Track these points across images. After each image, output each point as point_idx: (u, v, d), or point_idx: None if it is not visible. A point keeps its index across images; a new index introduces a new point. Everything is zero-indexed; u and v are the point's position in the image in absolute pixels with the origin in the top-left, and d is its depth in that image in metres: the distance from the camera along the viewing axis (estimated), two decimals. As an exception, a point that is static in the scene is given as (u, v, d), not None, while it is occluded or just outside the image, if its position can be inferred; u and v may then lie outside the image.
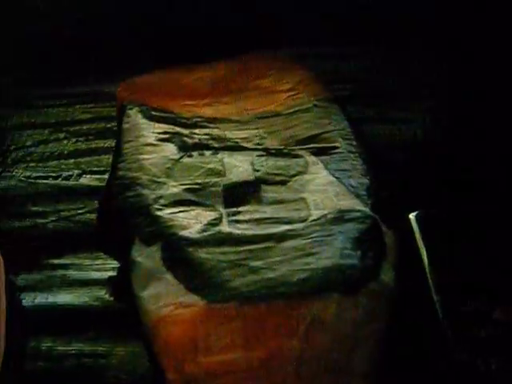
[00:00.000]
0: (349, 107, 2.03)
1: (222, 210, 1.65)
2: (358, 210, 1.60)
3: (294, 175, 1.75)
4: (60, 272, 1.78)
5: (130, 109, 1.98)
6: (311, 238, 1.53)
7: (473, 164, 1.89)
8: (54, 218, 1.93)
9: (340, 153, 1.81)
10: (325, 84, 2.13)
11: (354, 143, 1.86)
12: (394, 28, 2.40)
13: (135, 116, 1.96)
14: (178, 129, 1.92)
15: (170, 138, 1.88)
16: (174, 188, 1.70)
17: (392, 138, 2.11)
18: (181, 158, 1.81)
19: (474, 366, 1.43)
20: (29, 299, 1.72)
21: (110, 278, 1.74)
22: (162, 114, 1.99)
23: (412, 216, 1.75)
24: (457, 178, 1.85)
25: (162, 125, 1.93)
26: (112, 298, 1.69)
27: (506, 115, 2.01)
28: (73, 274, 1.77)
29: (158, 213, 1.63)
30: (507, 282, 1.57)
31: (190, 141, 1.88)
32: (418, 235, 1.72)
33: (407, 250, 1.64)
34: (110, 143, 2.13)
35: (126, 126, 1.94)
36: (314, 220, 1.59)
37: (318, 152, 1.82)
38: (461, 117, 2.08)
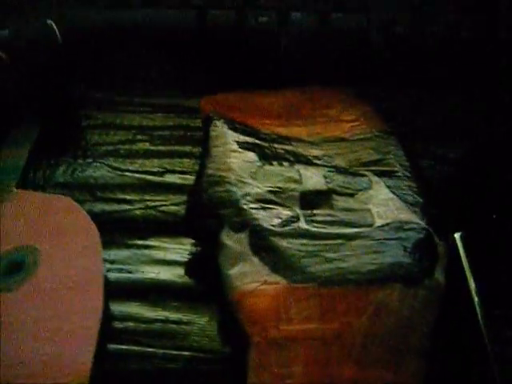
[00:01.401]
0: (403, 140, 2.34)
1: (299, 211, 1.93)
2: (416, 223, 1.88)
3: (360, 190, 2.03)
4: (145, 251, 2.01)
5: (217, 119, 2.27)
6: (377, 239, 1.82)
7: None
8: (140, 206, 2.17)
9: (398, 176, 2.09)
10: (383, 119, 2.44)
11: (410, 169, 2.15)
12: (438, 72, 2.70)
13: (221, 126, 2.25)
14: (258, 141, 2.21)
15: (252, 147, 2.17)
16: (258, 189, 1.98)
17: (436, 172, 2.38)
18: (263, 165, 2.09)
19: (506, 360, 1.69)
20: (117, 272, 1.95)
21: (193, 260, 1.97)
22: (244, 128, 2.28)
23: (457, 235, 2.03)
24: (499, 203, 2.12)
25: (244, 136, 2.21)
26: (192, 277, 1.94)
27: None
28: (157, 253, 2.00)
29: (245, 207, 1.90)
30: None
31: (269, 152, 2.17)
32: (461, 253, 1.99)
33: (453, 263, 1.91)
34: (190, 149, 2.38)
35: (213, 133, 2.22)
36: (379, 226, 1.88)
37: (379, 174, 2.10)
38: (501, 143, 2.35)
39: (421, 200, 1.98)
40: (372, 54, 2.80)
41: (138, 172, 2.31)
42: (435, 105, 2.67)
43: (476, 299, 1.83)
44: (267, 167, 2.07)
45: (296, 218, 1.88)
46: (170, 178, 2.29)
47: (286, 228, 1.83)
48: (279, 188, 1.98)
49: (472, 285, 1.87)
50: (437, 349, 1.68)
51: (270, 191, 1.96)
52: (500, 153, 2.47)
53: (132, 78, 2.74)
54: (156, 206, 2.21)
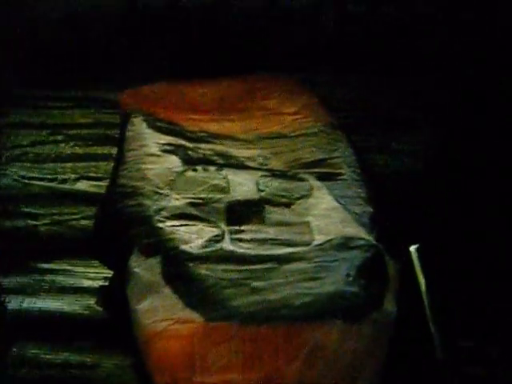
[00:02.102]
0: (352, 135, 2.06)
1: (225, 228, 1.62)
2: (363, 238, 1.58)
3: (299, 198, 1.73)
4: (49, 277, 1.73)
5: (135, 117, 1.95)
6: (315, 262, 1.52)
7: (474, 196, 1.90)
8: (46, 221, 1.88)
9: (345, 180, 1.80)
10: (329, 110, 2.15)
11: (359, 171, 1.85)
12: (396, 55, 2.43)
13: (140, 125, 1.94)
14: (182, 141, 1.90)
15: (174, 150, 1.85)
16: (176, 201, 1.67)
17: (392, 168, 2.12)
18: (185, 171, 1.78)
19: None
20: (15, 303, 1.66)
21: (102, 287, 1.69)
22: (167, 126, 1.96)
23: (413, 249, 1.76)
24: (457, 211, 1.86)
25: (166, 136, 1.90)
26: (102, 308, 1.66)
27: (509, 147, 2.03)
28: (63, 280, 1.72)
29: (160, 224, 1.60)
30: (505, 319, 1.58)
31: (194, 155, 1.86)
32: (417, 268, 1.73)
33: (407, 281, 1.65)
34: (109, 150, 2.09)
35: (129, 133, 1.91)
36: (318, 245, 1.57)
37: (322, 177, 1.80)
38: (462, 147, 2.09)
39: (370, 209, 1.67)
40: (321, 35, 2.53)
41: (46, 180, 2.01)
42: (391, 92, 2.40)
43: (433, 328, 1.58)
44: (190, 173, 1.75)
45: (220, 237, 1.56)
46: (82, 186, 1.99)
47: (207, 250, 1.51)
48: (202, 199, 1.66)
49: (428, 310, 1.63)
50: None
51: (191, 204, 1.64)
52: (465, 145, 2.23)
53: (51, 69, 2.43)
54: (64, 221, 1.89)
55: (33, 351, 1.57)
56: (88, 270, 1.74)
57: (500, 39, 2.48)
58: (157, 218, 1.61)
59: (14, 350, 1.57)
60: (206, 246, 1.56)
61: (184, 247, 1.53)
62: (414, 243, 1.75)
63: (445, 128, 2.18)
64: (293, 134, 2.01)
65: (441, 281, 1.69)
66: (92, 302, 1.66)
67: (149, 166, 1.77)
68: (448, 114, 2.27)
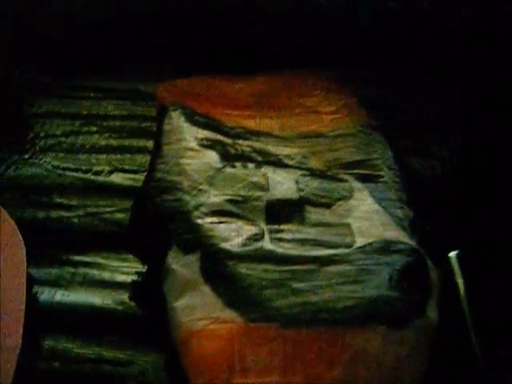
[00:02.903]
0: (390, 137, 2.03)
1: (264, 226, 1.59)
2: (405, 243, 1.55)
3: (339, 199, 1.70)
4: (82, 270, 1.69)
5: (173, 110, 1.92)
6: (356, 265, 1.48)
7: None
8: (80, 213, 1.84)
9: (385, 182, 1.76)
10: (368, 110, 2.12)
11: (399, 173, 1.82)
12: (439, 55, 2.38)
13: (177, 118, 1.90)
14: (220, 137, 1.86)
15: (212, 144, 1.82)
16: (215, 197, 1.64)
17: (430, 171, 2.08)
18: (223, 167, 1.75)
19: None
20: (47, 295, 1.64)
21: (137, 282, 1.65)
22: (205, 120, 1.93)
23: (453, 254, 1.72)
24: (497, 215, 1.82)
25: (204, 131, 1.87)
26: (136, 304, 1.64)
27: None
28: (96, 273, 1.68)
29: (199, 221, 1.57)
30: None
31: (232, 151, 1.82)
32: (458, 275, 1.69)
33: (448, 288, 1.61)
34: (144, 143, 2.04)
35: (167, 127, 1.88)
36: (360, 247, 1.54)
37: (362, 178, 1.77)
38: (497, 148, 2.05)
39: (411, 213, 1.65)
40: (360, 33, 2.50)
41: (80, 171, 1.96)
42: (432, 92, 2.36)
43: (473, 338, 1.54)
44: (228, 170, 1.73)
45: (260, 236, 1.53)
46: (117, 179, 1.94)
47: (247, 248, 1.49)
48: (241, 196, 1.63)
49: (469, 318, 1.59)
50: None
51: (230, 200, 1.62)
52: (500, 149, 2.18)
53: (83, 58, 2.41)
54: (98, 213, 1.86)
55: (65, 345, 1.53)
56: (122, 264, 1.69)
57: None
58: (196, 213, 1.58)
59: (46, 342, 1.57)
60: (245, 245, 1.53)
61: (223, 245, 1.50)
62: (455, 249, 1.75)
63: (474, 131, 2.15)
64: (331, 134, 1.97)
65: (481, 288, 1.67)
66: (125, 296, 1.62)
67: (187, 161, 1.74)
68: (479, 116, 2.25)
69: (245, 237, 1.53)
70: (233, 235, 1.53)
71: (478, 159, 2.11)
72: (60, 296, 1.65)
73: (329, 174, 1.78)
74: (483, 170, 2.08)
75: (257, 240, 1.53)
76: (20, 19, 2.47)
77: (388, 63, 2.37)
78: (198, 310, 1.39)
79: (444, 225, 1.77)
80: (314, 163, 1.85)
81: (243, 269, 1.44)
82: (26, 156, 2.04)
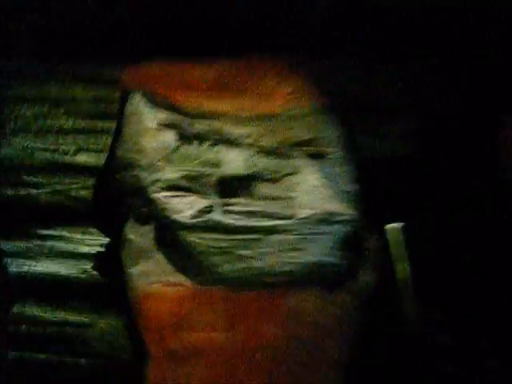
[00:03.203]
0: (344, 117, 2.14)
1: (215, 200, 1.71)
2: (345, 214, 1.68)
3: (286, 175, 1.82)
4: (49, 243, 1.81)
5: (134, 94, 2.03)
6: (298, 234, 1.62)
7: (455, 182, 1.98)
8: (47, 191, 1.96)
9: (332, 158, 1.90)
10: (321, 92, 2.24)
11: (346, 151, 1.96)
12: (394, 41, 2.49)
13: (138, 101, 2.00)
14: (179, 118, 1.97)
15: (170, 125, 1.93)
16: (170, 174, 1.76)
17: (381, 151, 2.20)
18: (180, 145, 1.88)
19: (433, 367, 1.53)
20: (16, 266, 1.76)
21: (99, 253, 1.78)
22: (165, 103, 2.04)
23: (389, 227, 1.84)
24: (437, 193, 1.95)
25: (164, 113, 1.98)
26: (98, 273, 1.76)
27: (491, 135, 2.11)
28: (61, 245, 1.81)
29: (154, 195, 1.69)
30: (476, 297, 1.68)
31: (190, 131, 1.93)
32: (393, 245, 1.81)
33: (388, 258, 1.74)
34: (109, 125, 2.14)
35: (128, 109, 1.98)
36: (302, 218, 1.67)
37: (311, 155, 1.89)
38: (447, 134, 2.18)
39: (354, 187, 1.78)
40: (317, 19, 2.61)
41: (48, 151, 2.08)
42: (384, 78, 2.48)
43: (405, 302, 1.67)
44: (185, 148, 1.84)
45: (210, 208, 1.66)
46: (82, 158, 2.06)
47: (198, 220, 1.61)
48: (195, 173, 1.75)
49: (402, 284, 1.72)
50: (359, 359, 1.53)
51: (185, 176, 1.74)
52: (451, 133, 2.30)
53: (52, 42, 2.52)
54: (64, 190, 1.98)
55: (32, 310, 1.68)
56: (86, 237, 1.82)
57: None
58: (152, 188, 1.70)
59: (15, 308, 1.68)
60: (196, 216, 1.65)
61: (176, 216, 1.63)
62: (395, 221, 1.87)
63: (430, 116, 2.28)
64: (286, 114, 2.10)
65: (419, 258, 1.80)
66: (89, 266, 1.75)
67: (146, 140, 1.85)
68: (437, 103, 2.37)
69: (196, 209, 1.66)
70: (185, 208, 1.66)
71: (424, 143, 2.25)
72: (28, 267, 1.78)
73: (279, 151, 1.90)
74: (428, 152, 2.21)
75: (207, 212, 1.65)
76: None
77: (346, 50, 2.51)
78: (152, 275, 1.52)
79: (386, 199, 1.91)
80: (267, 142, 1.96)
81: (193, 238, 1.57)
82: (-3, 138, 2.18)
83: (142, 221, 1.63)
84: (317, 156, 1.93)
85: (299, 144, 1.97)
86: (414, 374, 1.52)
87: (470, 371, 1.54)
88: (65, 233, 1.86)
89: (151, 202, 1.66)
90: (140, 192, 1.70)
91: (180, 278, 1.50)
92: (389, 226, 1.78)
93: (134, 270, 1.55)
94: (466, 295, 1.70)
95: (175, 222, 1.61)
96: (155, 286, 1.50)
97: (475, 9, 2.57)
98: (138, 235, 1.60)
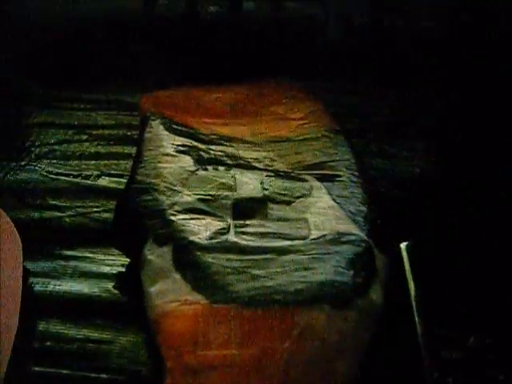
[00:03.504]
0: (353, 140, 2.21)
1: (230, 222, 1.79)
2: (355, 234, 1.75)
3: (299, 197, 1.90)
4: (72, 263, 1.90)
5: (153, 120, 2.13)
6: (309, 254, 1.68)
7: (466, 202, 2.04)
8: (71, 213, 2.06)
9: (342, 181, 1.96)
10: (333, 116, 2.31)
11: (356, 173, 2.01)
12: (402, 67, 2.58)
13: (157, 127, 2.11)
14: (195, 143, 2.07)
15: (187, 150, 2.03)
16: (188, 197, 1.85)
17: (390, 172, 2.27)
18: (196, 170, 1.96)
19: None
20: (41, 285, 1.85)
21: (120, 272, 1.87)
22: (182, 128, 2.14)
23: (403, 245, 1.91)
24: (448, 215, 2.01)
25: (181, 138, 2.08)
26: (119, 292, 1.84)
27: (503, 158, 2.17)
28: (84, 265, 1.90)
29: (172, 217, 1.78)
30: (486, 313, 1.72)
31: (206, 155, 2.03)
32: (406, 264, 1.87)
33: (397, 276, 1.80)
34: (130, 150, 2.27)
35: (147, 135, 2.09)
36: (314, 239, 1.74)
37: (322, 178, 1.96)
38: (459, 157, 2.24)
39: (364, 208, 1.84)
40: (329, 47, 2.69)
41: (71, 176, 2.20)
42: (394, 102, 2.56)
43: (417, 319, 1.73)
44: (201, 173, 1.93)
45: (226, 230, 1.73)
46: (104, 182, 2.18)
47: (213, 241, 1.69)
48: (211, 196, 1.84)
49: (414, 301, 1.77)
50: (370, 375, 1.58)
51: (201, 199, 1.82)
52: (458, 156, 2.37)
53: (75, 71, 2.63)
54: (87, 213, 2.08)
55: (56, 327, 1.75)
56: (108, 258, 1.91)
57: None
58: (169, 211, 1.78)
59: (40, 326, 1.76)
60: (212, 238, 1.73)
61: (193, 238, 1.70)
62: (405, 241, 1.93)
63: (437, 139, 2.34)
64: (298, 138, 2.17)
65: (428, 277, 1.85)
66: (110, 285, 1.84)
67: (164, 165, 1.95)
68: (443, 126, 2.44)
69: (212, 231, 1.73)
70: (202, 230, 1.73)
71: (432, 164, 2.32)
72: (52, 286, 1.87)
73: (292, 174, 1.98)
74: (437, 172, 2.28)
75: (223, 234, 1.73)
76: (20, 35, 2.71)
77: (354, 75, 2.59)
78: (169, 294, 1.59)
79: (396, 220, 1.97)
80: (279, 165, 2.04)
81: (209, 258, 1.64)
82: (23, 163, 2.27)
83: (161, 242, 1.71)
84: (327, 179, 1.99)
85: (311, 167, 2.04)
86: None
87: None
88: (87, 254, 1.95)
89: (169, 224, 1.74)
90: (158, 214, 1.79)
91: (196, 297, 1.56)
92: (403, 245, 1.85)
93: (153, 289, 1.63)
94: (476, 310, 1.76)
95: (192, 243, 1.68)
96: (173, 304, 1.56)
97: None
98: (157, 256, 1.68)
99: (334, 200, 1.88)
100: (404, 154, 2.30)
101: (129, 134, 2.37)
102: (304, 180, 1.95)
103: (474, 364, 1.63)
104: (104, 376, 1.66)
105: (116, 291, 1.83)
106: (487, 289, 1.81)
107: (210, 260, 1.65)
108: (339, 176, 1.99)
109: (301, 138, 2.15)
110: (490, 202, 2.10)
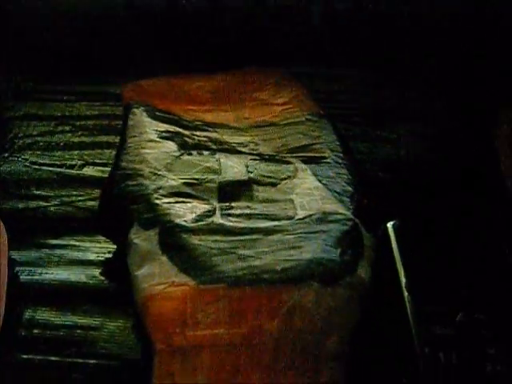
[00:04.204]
0: (337, 124, 2.21)
1: (216, 204, 1.78)
2: (341, 213, 1.74)
3: (284, 179, 1.89)
4: (58, 251, 1.90)
5: (136, 107, 2.12)
6: (296, 233, 1.68)
7: (449, 182, 2.05)
8: (56, 202, 2.05)
9: (327, 162, 1.96)
10: (316, 101, 2.31)
11: (341, 155, 2.00)
12: (387, 52, 2.58)
13: (140, 114, 2.10)
14: (179, 129, 2.06)
15: (171, 136, 2.02)
16: (172, 181, 1.84)
17: (374, 154, 2.27)
18: (181, 155, 1.95)
19: (435, 359, 1.58)
20: (27, 274, 1.84)
21: (106, 259, 1.86)
22: (165, 115, 2.13)
23: (389, 225, 1.91)
24: (432, 193, 2.01)
25: (164, 124, 2.07)
26: (106, 278, 1.83)
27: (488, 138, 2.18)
28: (70, 253, 1.89)
29: (157, 201, 1.76)
30: (473, 290, 1.73)
31: (190, 141, 2.02)
32: (393, 242, 1.87)
33: (383, 255, 1.80)
34: (113, 139, 2.25)
35: (130, 122, 2.07)
36: (300, 219, 1.73)
37: (307, 160, 1.96)
38: (444, 139, 2.25)
39: (349, 188, 1.84)
40: (308, 32, 2.69)
41: (55, 166, 2.19)
42: (378, 87, 2.56)
43: (406, 294, 1.73)
44: (185, 157, 1.92)
45: (211, 212, 1.73)
46: (89, 171, 2.17)
47: (199, 223, 1.67)
48: (196, 180, 1.83)
49: (402, 279, 1.77)
50: (359, 350, 1.58)
51: (186, 183, 1.81)
52: (443, 138, 2.37)
53: (56, 64, 2.61)
54: (72, 202, 2.06)
55: (43, 315, 1.74)
56: (94, 245, 1.91)
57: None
58: (155, 195, 1.77)
59: (26, 314, 1.75)
60: (198, 220, 1.72)
61: (179, 221, 1.69)
62: (390, 220, 1.93)
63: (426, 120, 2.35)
64: (282, 123, 2.17)
65: (415, 255, 1.86)
66: (97, 272, 1.83)
67: (148, 151, 1.93)
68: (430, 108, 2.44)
69: (198, 213, 1.72)
70: (187, 212, 1.72)
71: (416, 147, 2.32)
72: (38, 275, 1.86)
73: (276, 157, 1.98)
74: (421, 155, 2.28)
75: (209, 216, 1.72)
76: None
77: (336, 61, 2.59)
78: (157, 277, 1.57)
79: (382, 199, 1.98)
80: (264, 149, 2.04)
81: (195, 240, 1.63)
82: (6, 154, 2.25)
83: (147, 226, 1.69)
84: (312, 161, 1.99)
85: (295, 150, 2.04)
86: (415, 365, 1.58)
87: (472, 360, 1.60)
88: (73, 242, 1.94)
89: (155, 207, 1.73)
90: (144, 199, 1.77)
91: (184, 279, 1.54)
92: (389, 224, 1.85)
93: (140, 273, 1.61)
94: (465, 286, 1.76)
95: (178, 226, 1.67)
96: (160, 286, 1.55)
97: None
98: (143, 239, 1.67)
99: (319, 181, 1.88)
100: (388, 136, 2.31)
101: (113, 123, 2.35)
102: (289, 162, 1.94)
103: (463, 339, 1.65)
104: (92, 361, 1.64)
105: (103, 278, 1.82)
106: (473, 265, 1.82)
107: (196, 242, 1.64)
108: (324, 158, 1.98)
109: (285, 122, 2.15)
110: (475, 182, 2.12)
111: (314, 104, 2.27)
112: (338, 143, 2.08)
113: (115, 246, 1.87)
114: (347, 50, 2.58)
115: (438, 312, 1.73)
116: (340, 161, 1.99)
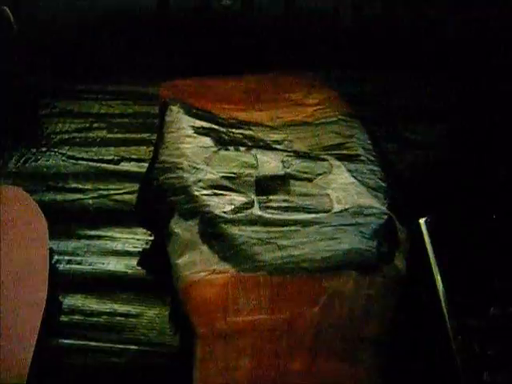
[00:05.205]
0: (368, 125, 2.25)
1: (254, 197, 1.84)
2: (376, 207, 1.79)
3: (319, 174, 1.94)
4: (96, 242, 1.93)
5: (173, 104, 2.17)
6: (333, 225, 1.73)
7: (483, 180, 2.08)
8: (93, 195, 2.09)
9: (361, 160, 2.00)
10: (347, 102, 2.35)
11: (374, 153, 2.05)
12: (414, 53, 2.62)
13: (177, 111, 2.16)
14: (215, 126, 2.11)
15: (208, 132, 2.07)
16: (211, 174, 1.89)
17: (406, 156, 2.30)
18: (218, 150, 2.00)
19: (470, 350, 1.61)
20: (66, 263, 1.87)
21: (144, 250, 1.89)
22: (201, 113, 2.18)
23: (422, 220, 1.94)
24: (465, 192, 2.05)
25: (201, 121, 2.12)
26: (143, 268, 1.86)
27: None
28: (108, 244, 1.93)
29: (197, 193, 1.81)
30: (507, 283, 1.75)
31: (226, 137, 2.07)
32: (426, 237, 1.91)
33: (416, 248, 1.83)
34: (149, 136, 2.29)
35: (168, 118, 2.13)
36: (337, 212, 1.78)
37: (341, 157, 2.01)
38: (473, 140, 2.28)
39: (383, 184, 1.89)
40: (342, 36, 2.74)
41: (92, 160, 2.23)
42: (408, 88, 2.59)
43: (440, 287, 1.76)
44: (223, 152, 1.98)
45: (250, 205, 1.78)
46: (125, 166, 2.20)
47: (239, 215, 1.73)
48: (234, 174, 1.89)
49: (436, 272, 1.81)
50: (396, 338, 1.61)
51: (224, 177, 1.87)
52: (473, 139, 2.41)
53: (92, 64, 2.66)
54: (109, 195, 2.10)
55: (83, 302, 1.78)
56: (131, 237, 1.94)
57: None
58: (194, 188, 1.82)
59: (66, 301, 1.79)
60: (237, 212, 1.77)
61: (219, 212, 1.74)
62: (423, 217, 1.97)
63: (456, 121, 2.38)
64: (315, 122, 2.21)
65: (447, 250, 1.89)
66: (134, 262, 1.87)
67: (186, 145, 1.99)
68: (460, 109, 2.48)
69: (237, 205, 1.77)
70: (227, 204, 1.77)
71: (447, 148, 2.35)
72: (77, 264, 1.89)
73: (311, 155, 2.03)
74: (452, 156, 2.32)
75: (247, 208, 1.77)
76: (37, 29, 2.74)
77: (368, 63, 2.63)
78: (198, 265, 1.62)
79: (415, 195, 2.01)
80: (298, 147, 2.08)
81: (235, 230, 1.68)
82: (44, 149, 2.29)
83: (187, 216, 1.74)
84: (346, 158, 2.03)
85: (329, 148, 2.08)
86: (448, 355, 1.61)
87: (506, 353, 1.62)
88: (111, 233, 1.98)
89: (195, 199, 1.78)
90: (184, 191, 1.82)
91: (225, 266, 1.59)
92: (422, 220, 1.88)
93: (181, 261, 1.66)
94: (499, 279, 1.78)
95: (218, 217, 1.72)
96: (201, 274, 1.59)
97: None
98: (184, 229, 1.71)
99: (354, 177, 1.92)
100: (418, 138, 2.34)
101: (147, 121, 2.38)
102: (324, 159, 1.99)
103: (497, 332, 1.67)
104: (133, 347, 1.68)
105: (140, 268, 1.86)
106: (506, 259, 1.85)
107: (236, 232, 1.69)
108: (357, 156, 2.02)
109: (317, 121, 2.19)
110: (504, 182, 2.15)
111: (345, 105, 2.32)
112: (369, 142, 2.13)
113: (152, 238, 1.91)
114: (376, 53, 2.63)
115: (470, 305, 1.78)
116: (372, 158, 2.03)
